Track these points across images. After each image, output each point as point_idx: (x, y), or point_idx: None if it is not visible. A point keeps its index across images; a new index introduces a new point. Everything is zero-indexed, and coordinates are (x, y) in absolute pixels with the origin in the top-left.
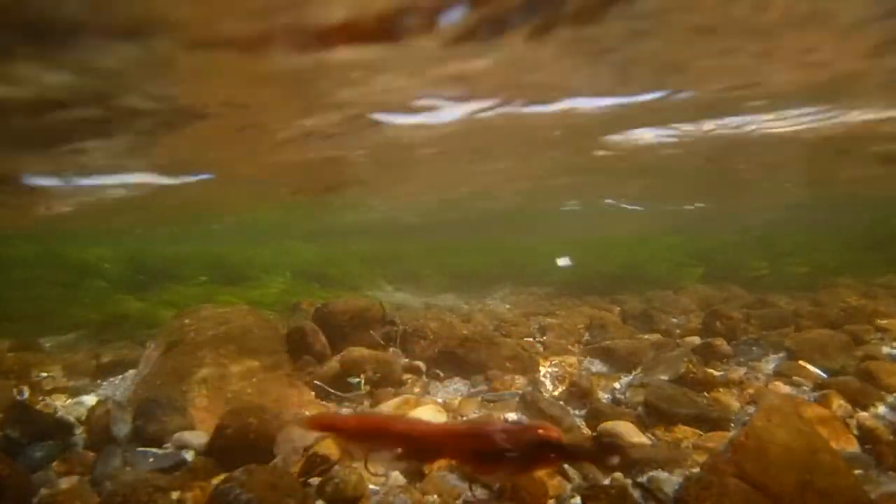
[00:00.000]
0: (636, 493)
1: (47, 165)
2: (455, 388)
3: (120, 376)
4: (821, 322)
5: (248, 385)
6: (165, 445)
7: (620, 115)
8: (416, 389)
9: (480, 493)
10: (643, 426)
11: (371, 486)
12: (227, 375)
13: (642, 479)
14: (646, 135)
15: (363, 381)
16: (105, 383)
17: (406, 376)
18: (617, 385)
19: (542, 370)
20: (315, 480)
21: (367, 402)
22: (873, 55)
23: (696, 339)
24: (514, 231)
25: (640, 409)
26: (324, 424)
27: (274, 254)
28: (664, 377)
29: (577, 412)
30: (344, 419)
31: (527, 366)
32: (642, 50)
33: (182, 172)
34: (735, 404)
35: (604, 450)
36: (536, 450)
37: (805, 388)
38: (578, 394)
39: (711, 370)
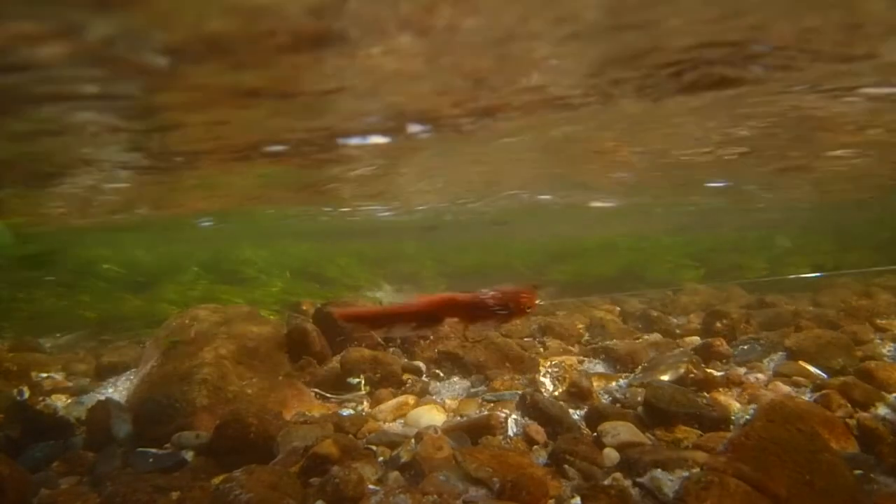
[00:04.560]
0: (636, 493)
1: None
2: (455, 388)
3: (120, 376)
4: (821, 322)
5: (248, 385)
6: (165, 445)
7: None
8: (416, 389)
9: (480, 492)
10: (643, 426)
11: (371, 486)
12: (227, 375)
13: (642, 479)
14: None
15: (363, 382)
16: (105, 383)
17: (406, 376)
18: (617, 385)
19: (542, 370)
20: (315, 480)
21: (367, 402)
22: None
23: (696, 339)
24: (514, 231)
25: (640, 409)
26: (351, 317)
27: (274, 254)
28: (664, 377)
29: (576, 412)
30: (367, 312)
31: (527, 366)
32: None
33: None
34: (735, 404)
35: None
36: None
37: (805, 388)
38: (578, 394)
39: (711, 370)
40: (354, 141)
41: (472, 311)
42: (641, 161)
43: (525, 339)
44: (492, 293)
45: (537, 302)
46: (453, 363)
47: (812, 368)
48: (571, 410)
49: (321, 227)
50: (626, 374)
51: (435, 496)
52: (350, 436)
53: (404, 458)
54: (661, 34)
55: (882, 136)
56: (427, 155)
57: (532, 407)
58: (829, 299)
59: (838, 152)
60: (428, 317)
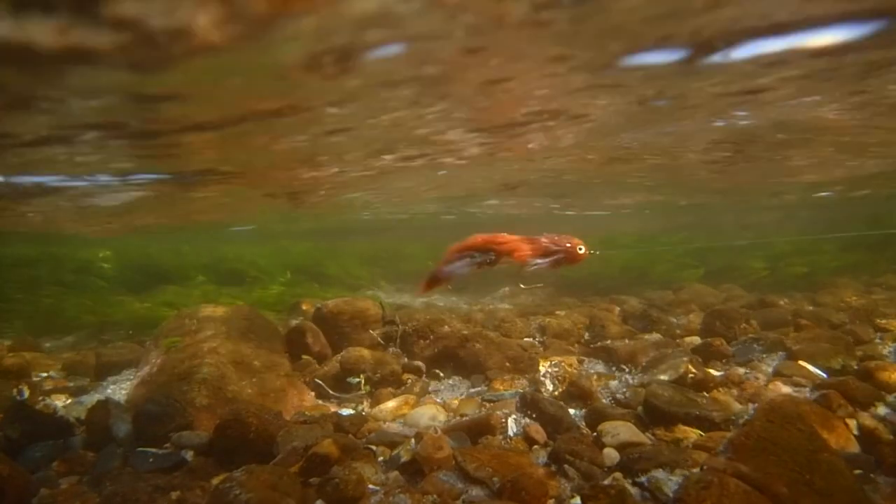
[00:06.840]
0: (636, 493)
1: None
2: (455, 388)
3: (120, 376)
4: (821, 322)
5: (248, 385)
6: (165, 445)
7: None
8: (416, 389)
9: (480, 492)
10: (643, 426)
11: (370, 486)
12: (227, 375)
13: (642, 479)
14: None
15: (363, 381)
16: (105, 383)
17: (406, 376)
18: (617, 385)
19: (542, 370)
20: (315, 480)
21: (366, 402)
22: None
23: (696, 339)
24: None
25: (640, 408)
26: (431, 282)
27: (274, 254)
28: (664, 377)
29: (576, 412)
30: (438, 268)
31: (527, 366)
32: None
33: None
34: (735, 404)
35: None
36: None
37: (805, 388)
38: (578, 394)
39: (711, 370)
40: None
41: (528, 250)
42: None
43: (525, 339)
44: (547, 236)
45: (589, 251)
46: (454, 363)
47: (812, 368)
48: (571, 410)
49: (322, 226)
50: (627, 374)
51: (435, 496)
52: (350, 436)
53: (404, 457)
54: None
55: None
56: None
57: (532, 407)
58: (830, 299)
59: None
60: (488, 251)
